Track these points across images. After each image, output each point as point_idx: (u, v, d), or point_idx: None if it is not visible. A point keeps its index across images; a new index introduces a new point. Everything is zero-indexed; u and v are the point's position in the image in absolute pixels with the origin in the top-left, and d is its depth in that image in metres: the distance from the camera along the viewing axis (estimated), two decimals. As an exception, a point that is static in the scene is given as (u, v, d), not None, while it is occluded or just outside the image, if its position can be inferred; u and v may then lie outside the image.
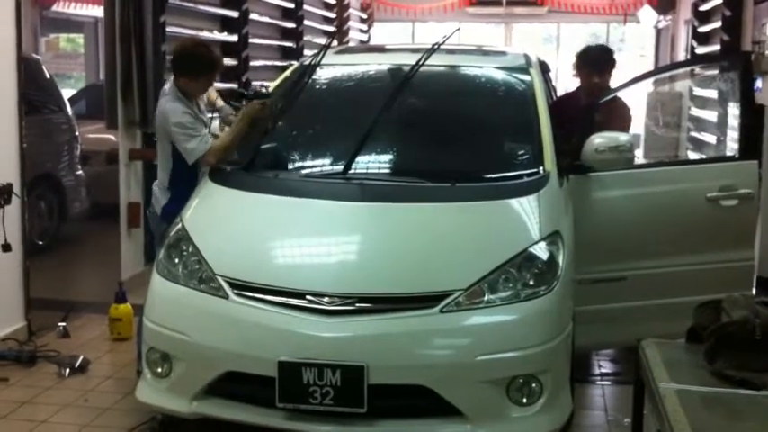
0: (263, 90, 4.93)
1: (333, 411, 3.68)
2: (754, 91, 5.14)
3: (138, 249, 7.11)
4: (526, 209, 4.21)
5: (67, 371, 5.17)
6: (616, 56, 5.71)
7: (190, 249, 4.09)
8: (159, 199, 4.95)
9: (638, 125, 10.25)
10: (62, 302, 6.29)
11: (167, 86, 4.94)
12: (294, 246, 4.25)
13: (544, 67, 5.60)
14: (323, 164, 4.83)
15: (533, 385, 3.75)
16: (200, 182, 4.69)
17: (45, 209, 7.87)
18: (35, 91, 7.38)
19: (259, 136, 4.80)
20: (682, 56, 13.96)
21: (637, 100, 10.26)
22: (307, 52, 10.53)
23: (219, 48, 8.98)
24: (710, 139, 9.48)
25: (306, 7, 11.63)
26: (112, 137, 7.21)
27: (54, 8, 12.85)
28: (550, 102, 5.27)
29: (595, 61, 5.55)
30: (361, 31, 16.01)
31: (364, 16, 16.26)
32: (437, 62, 4.92)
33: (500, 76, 5.30)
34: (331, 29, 13.01)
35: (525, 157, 4.71)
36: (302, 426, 3.72)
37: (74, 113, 8.57)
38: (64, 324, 5.88)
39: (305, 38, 11.46)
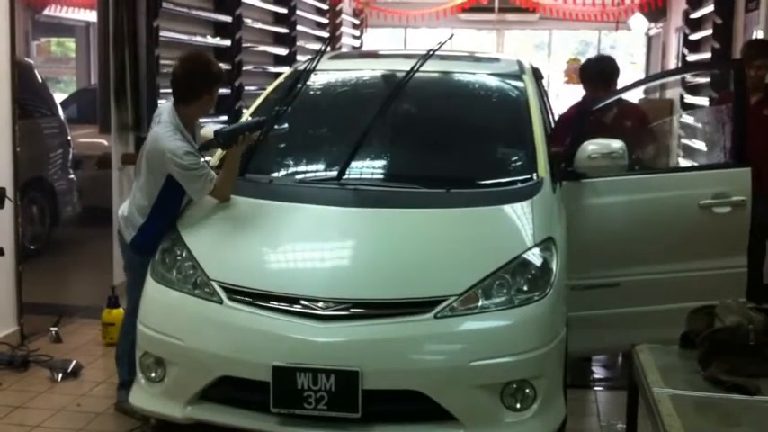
0: (258, 120, 4.59)
1: (327, 416, 3.68)
2: (746, 98, 5.14)
3: (131, 254, 7.08)
4: (520, 215, 4.22)
5: (60, 375, 5.16)
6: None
7: (184, 254, 4.09)
8: (133, 223, 4.44)
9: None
10: (54, 307, 6.29)
11: (165, 112, 4.39)
12: (288, 251, 4.25)
13: (537, 74, 5.62)
14: (317, 169, 4.84)
15: (527, 390, 3.75)
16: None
17: (37, 213, 7.85)
18: (27, 95, 7.36)
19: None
20: (673, 63, 14.02)
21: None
22: (300, 57, 10.53)
23: (213, 52, 8.99)
24: (702, 146, 9.50)
25: (299, 13, 11.63)
26: (105, 141, 7.20)
27: (46, 12, 12.83)
28: (545, 109, 5.29)
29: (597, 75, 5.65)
30: (354, 36, 16.03)
31: (357, 22, 16.28)
32: (431, 68, 4.93)
33: (494, 82, 5.32)
34: (324, 34, 13.01)
35: (519, 163, 4.73)
36: (296, 431, 3.72)
37: (66, 117, 8.55)
38: (56, 329, 5.88)
39: (298, 43, 11.47)
